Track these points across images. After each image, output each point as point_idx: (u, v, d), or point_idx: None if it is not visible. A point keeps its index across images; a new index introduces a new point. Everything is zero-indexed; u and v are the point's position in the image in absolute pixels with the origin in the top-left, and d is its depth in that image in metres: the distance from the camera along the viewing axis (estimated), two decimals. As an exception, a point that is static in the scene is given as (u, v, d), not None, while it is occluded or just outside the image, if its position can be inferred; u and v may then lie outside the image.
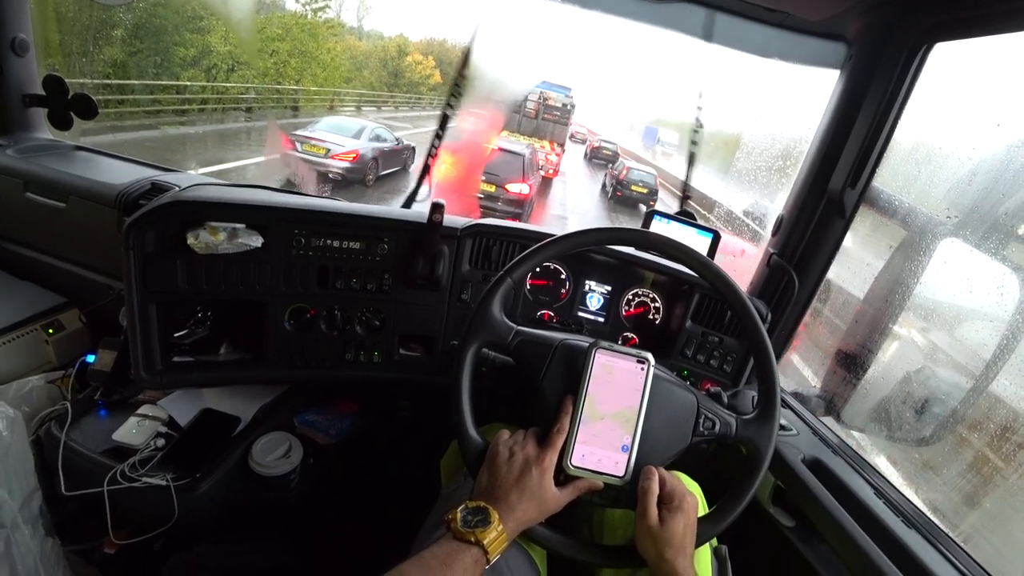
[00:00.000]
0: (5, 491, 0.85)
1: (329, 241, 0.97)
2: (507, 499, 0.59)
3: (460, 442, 0.67)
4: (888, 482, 0.89)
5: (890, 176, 1.05)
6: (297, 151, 7.59)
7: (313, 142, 7.63)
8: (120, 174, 1.31)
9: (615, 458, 0.63)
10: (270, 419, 1.12)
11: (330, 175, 7.68)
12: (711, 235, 1.13)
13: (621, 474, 0.63)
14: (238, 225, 0.91)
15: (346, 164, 7.70)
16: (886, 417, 1.01)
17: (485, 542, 0.53)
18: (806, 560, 0.86)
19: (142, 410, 1.03)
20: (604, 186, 14.47)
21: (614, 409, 0.65)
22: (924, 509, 0.82)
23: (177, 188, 1.13)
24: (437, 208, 0.94)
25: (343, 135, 8.05)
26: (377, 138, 8.69)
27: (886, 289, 1.07)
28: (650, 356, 0.66)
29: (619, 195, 12.58)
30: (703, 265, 0.73)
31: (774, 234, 1.17)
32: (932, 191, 1.07)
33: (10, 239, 1.36)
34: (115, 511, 0.95)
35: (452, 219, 1.03)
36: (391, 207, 1.06)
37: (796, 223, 1.13)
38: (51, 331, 1.25)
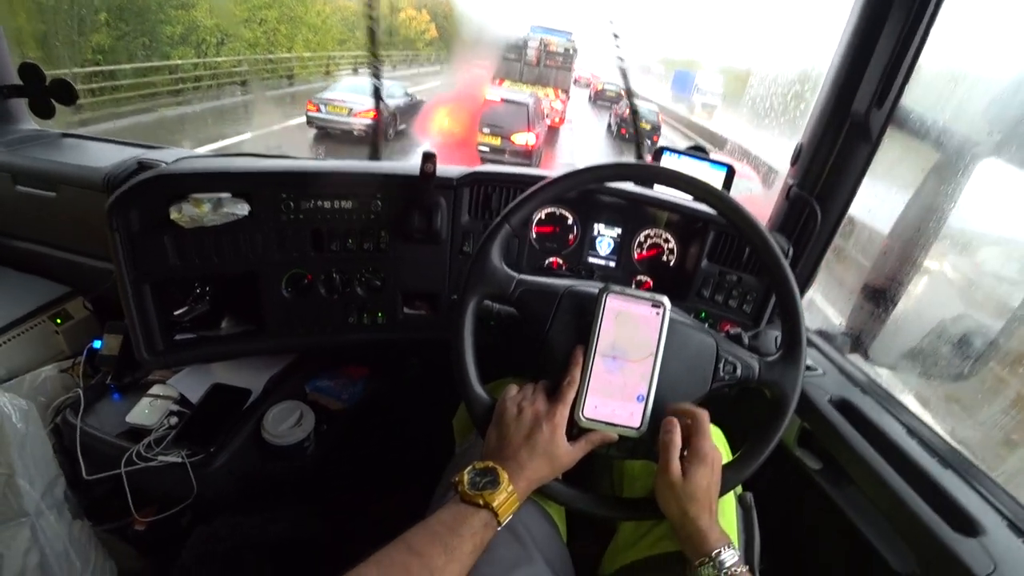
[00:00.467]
0: (26, 481, 0.85)
1: (319, 203, 0.92)
2: (517, 457, 0.56)
3: (466, 401, 0.64)
4: (921, 421, 0.84)
5: (921, 95, 0.96)
6: (321, 113, 8.23)
7: (336, 103, 8.20)
8: (106, 157, 1.28)
9: (630, 408, 0.60)
10: (281, 389, 1.11)
11: (355, 132, 8.23)
12: (725, 168, 1.05)
13: (637, 425, 0.60)
14: (222, 195, 0.87)
15: (368, 121, 8.17)
16: (919, 353, 0.95)
17: (494, 504, 0.51)
18: (834, 503, 0.83)
19: (153, 390, 1.03)
20: (609, 126, 14.43)
21: (628, 357, 0.61)
22: (960, 449, 0.78)
23: (163, 164, 1.10)
24: (428, 158, 0.88)
25: (362, 95, 8.42)
26: (392, 95, 9.15)
27: (917, 218, 0.99)
28: (665, 299, 0.61)
29: (623, 132, 12.81)
30: (718, 198, 0.67)
31: (793, 163, 1.09)
32: (969, 107, 0.97)
33: (8, 234, 1.35)
34: (138, 490, 0.96)
35: (447, 169, 0.97)
36: (381, 162, 1.00)
37: (817, 151, 1.05)
38: (59, 321, 1.25)
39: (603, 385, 0.60)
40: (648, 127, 12.54)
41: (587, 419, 0.60)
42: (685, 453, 0.58)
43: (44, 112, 1.39)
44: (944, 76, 0.99)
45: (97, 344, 1.10)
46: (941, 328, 0.94)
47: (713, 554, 0.53)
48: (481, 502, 0.51)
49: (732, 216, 0.67)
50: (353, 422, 1.16)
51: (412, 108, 9.67)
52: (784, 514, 0.83)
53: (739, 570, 0.52)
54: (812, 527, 0.90)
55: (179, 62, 9.23)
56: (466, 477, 0.53)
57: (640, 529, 0.68)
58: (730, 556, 0.53)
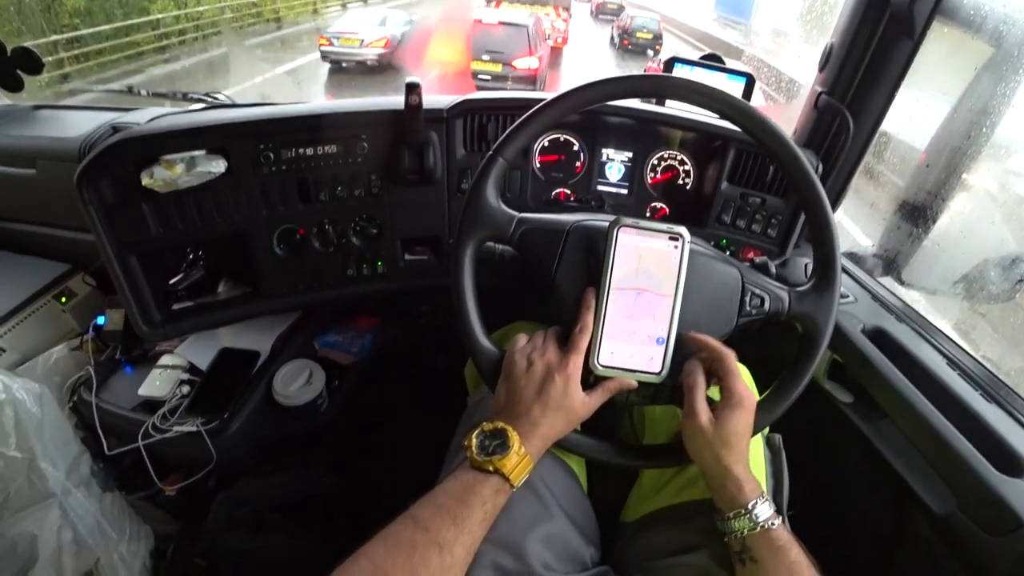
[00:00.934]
0: (48, 463, 0.86)
1: (301, 150, 0.85)
2: (529, 415, 0.52)
3: (472, 355, 0.60)
4: (963, 350, 0.78)
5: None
6: (333, 47, 8.26)
7: (347, 35, 8.24)
8: (81, 124, 1.21)
9: (649, 352, 0.56)
10: (289, 347, 1.09)
11: (368, 63, 8.34)
12: (744, 79, 0.94)
13: (657, 370, 0.56)
14: (196, 153, 0.80)
15: (380, 50, 8.32)
16: (963, 274, 0.87)
17: (505, 470, 0.48)
18: (866, 438, 0.79)
19: (162, 361, 1.02)
20: (612, 38, 14.02)
21: (644, 298, 0.56)
22: (1006, 381, 0.72)
23: (137, 125, 1.04)
24: (412, 89, 0.79)
25: (371, 25, 8.62)
26: (398, 23, 9.16)
27: (965, 124, 0.88)
28: (684, 230, 0.55)
29: (625, 44, 12.59)
30: (738, 110, 0.59)
31: (821, 68, 0.97)
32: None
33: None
34: (161, 460, 0.97)
35: (436, 99, 0.89)
36: (362, 99, 0.92)
37: (850, 51, 0.92)
38: (64, 299, 1.23)
39: (619, 329, 0.56)
40: (649, 36, 12.45)
41: (603, 367, 0.56)
42: (710, 396, 0.54)
43: (11, 85, 1.31)
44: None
45: (101, 320, 1.09)
46: (988, 247, 0.85)
47: (749, 506, 0.50)
48: (491, 468, 0.48)
49: (757, 131, 0.59)
50: (365, 375, 1.14)
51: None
52: (811, 451, 0.79)
53: (775, 523, 0.49)
54: (841, 464, 0.87)
55: (160, 16, 8.78)
56: (474, 441, 0.50)
57: (663, 476, 0.65)
58: (765, 509, 0.50)
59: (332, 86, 8.41)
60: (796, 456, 0.67)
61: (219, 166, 0.81)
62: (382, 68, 8.47)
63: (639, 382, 0.57)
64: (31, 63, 1.25)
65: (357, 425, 1.13)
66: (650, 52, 12.39)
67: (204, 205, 0.84)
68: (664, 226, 0.56)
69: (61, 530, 0.86)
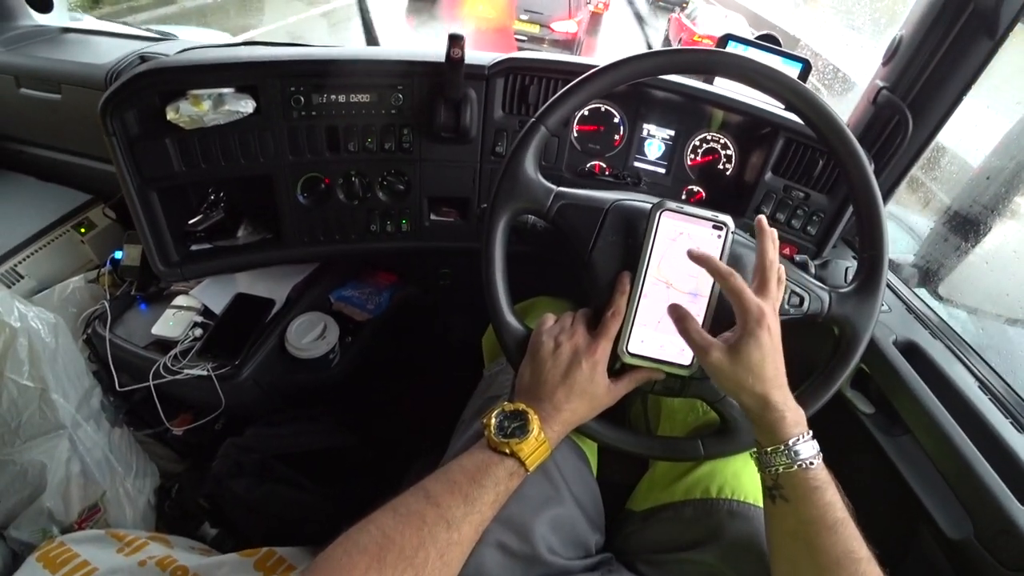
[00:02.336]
0: (59, 395, 0.87)
1: (333, 97, 0.82)
2: (552, 398, 0.50)
3: (496, 331, 0.58)
4: (999, 376, 0.75)
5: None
6: None
7: None
8: (109, 52, 1.18)
9: (680, 344, 0.52)
10: (304, 298, 1.08)
11: None
12: (801, 65, 0.89)
13: (687, 363, 0.54)
14: (224, 90, 0.78)
15: None
16: (1006, 295, 0.83)
17: (522, 454, 0.46)
18: (882, 450, 0.77)
19: (176, 301, 1.02)
20: (667, 38, 12.99)
21: (682, 285, 0.54)
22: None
23: (165, 57, 1.00)
24: (456, 41, 0.75)
25: None
26: None
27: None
28: (729, 220, 0.53)
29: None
30: (802, 97, 0.55)
31: (886, 62, 0.91)
32: None
33: (19, 140, 1.30)
34: (170, 400, 0.98)
35: (478, 55, 0.85)
36: (400, 48, 0.88)
37: (920, 46, 0.85)
38: (83, 230, 1.23)
39: (652, 316, 0.54)
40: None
41: (632, 355, 0.54)
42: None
43: (42, 5, 1.29)
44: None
45: (118, 255, 1.08)
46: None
47: (790, 442, 0.45)
48: (508, 451, 0.46)
49: (818, 121, 0.56)
50: (379, 333, 1.13)
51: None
52: (825, 458, 0.78)
53: (814, 463, 0.45)
54: (857, 474, 0.85)
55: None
56: (493, 421, 0.48)
57: (676, 469, 0.64)
58: (807, 448, 0.46)
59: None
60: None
61: (247, 106, 0.78)
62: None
63: (667, 373, 0.55)
64: (58, -19, 1.22)
65: (368, 383, 1.13)
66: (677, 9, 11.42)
67: (229, 145, 0.81)
68: (709, 213, 0.54)
69: (70, 461, 0.87)
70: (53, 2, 1.31)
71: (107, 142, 0.77)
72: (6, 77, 1.19)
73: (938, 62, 0.84)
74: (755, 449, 0.49)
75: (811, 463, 0.45)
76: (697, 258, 0.49)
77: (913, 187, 1.09)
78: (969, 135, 0.97)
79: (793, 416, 0.47)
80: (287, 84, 0.80)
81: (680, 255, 0.52)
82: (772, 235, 0.50)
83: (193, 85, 0.76)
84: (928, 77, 0.86)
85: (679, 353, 0.54)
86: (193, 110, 0.75)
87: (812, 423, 0.58)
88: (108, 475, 0.92)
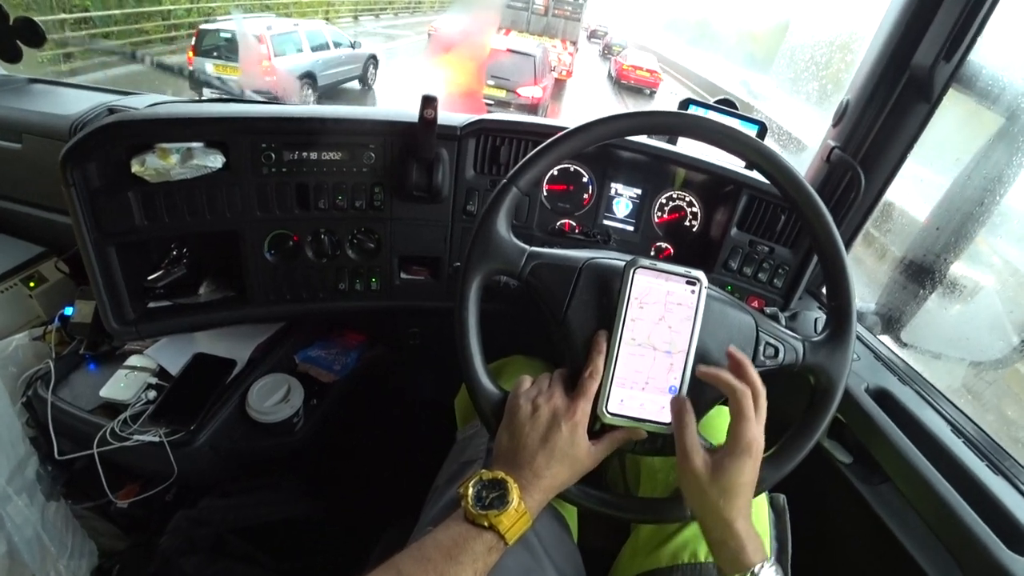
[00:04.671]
0: (-11, 465, 0.79)
1: (304, 154, 0.82)
2: (532, 464, 0.48)
3: (472, 395, 0.56)
4: (969, 419, 0.76)
5: (994, 50, 0.84)
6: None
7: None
8: (76, 103, 1.17)
9: (660, 402, 0.53)
10: (268, 359, 1.04)
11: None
12: (757, 127, 0.94)
13: (668, 421, 0.52)
14: (193, 144, 0.77)
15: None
16: (965, 339, 0.87)
17: (500, 528, 0.43)
18: (863, 499, 0.76)
19: (129, 361, 0.96)
20: (609, 73, 14.76)
21: (659, 343, 0.53)
22: (1015, 453, 0.70)
23: (135, 110, 1.00)
24: (429, 102, 0.77)
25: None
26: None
27: (976, 190, 0.89)
28: (702, 275, 0.54)
29: (622, 78, 13.27)
30: (765, 156, 0.57)
31: (836, 123, 0.97)
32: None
33: None
34: (116, 469, 0.90)
35: (451, 116, 0.87)
36: (375, 108, 0.89)
37: (865, 109, 0.93)
38: (32, 284, 1.17)
39: (630, 376, 0.53)
40: (649, 75, 13.05)
41: (611, 415, 0.53)
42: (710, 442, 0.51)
43: (10, 55, 1.27)
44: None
45: (69, 311, 1.02)
46: (995, 312, 0.85)
47: (755, 569, 0.45)
48: (487, 523, 0.43)
49: (781, 178, 0.58)
50: (346, 396, 1.09)
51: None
52: (807, 511, 0.76)
53: None
54: (838, 526, 0.84)
55: (171, 7, 8.80)
56: (471, 491, 0.46)
57: (661, 533, 0.61)
58: (771, 574, 0.46)
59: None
60: (792, 516, 0.64)
61: (216, 160, 0.77)
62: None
63: (648, 432, 0.54)
64: (34, 35, 1.20)
65: (334, 448, 1.07)
66: (647, 91, 13.18)
67: (195, 200, 0.79)
68: (682, 269, 0.54)
69: (-5, 541, 0.78)
70: (21, 53, 1.30)
71: (65, 193, 0.74)
72: (-34, 125, 1.15)
73: (883, 123, 0.91)
74: None
75: None
76: (712, 377, 0.49)
77: (868, 240, 1.15)
78: (916, 190, 1.04)
79: (753, 545, 0.47)
80: (258, 140, 0.79)
81: (656, 311, 0.53)
82: (749, 364, 0.50)
83: (162, 138, 0.75)
84: (875, 137, 0.93)
85: (659, 411, 0.53)
86: (160, 163, 0.73)
87: (793, 478, 0.57)
88: (39, 556, 0.82)
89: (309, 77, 6.73)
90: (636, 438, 0.54)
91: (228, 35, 5.82)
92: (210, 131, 0.78)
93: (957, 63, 0.82)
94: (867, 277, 1.14)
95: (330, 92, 7.26)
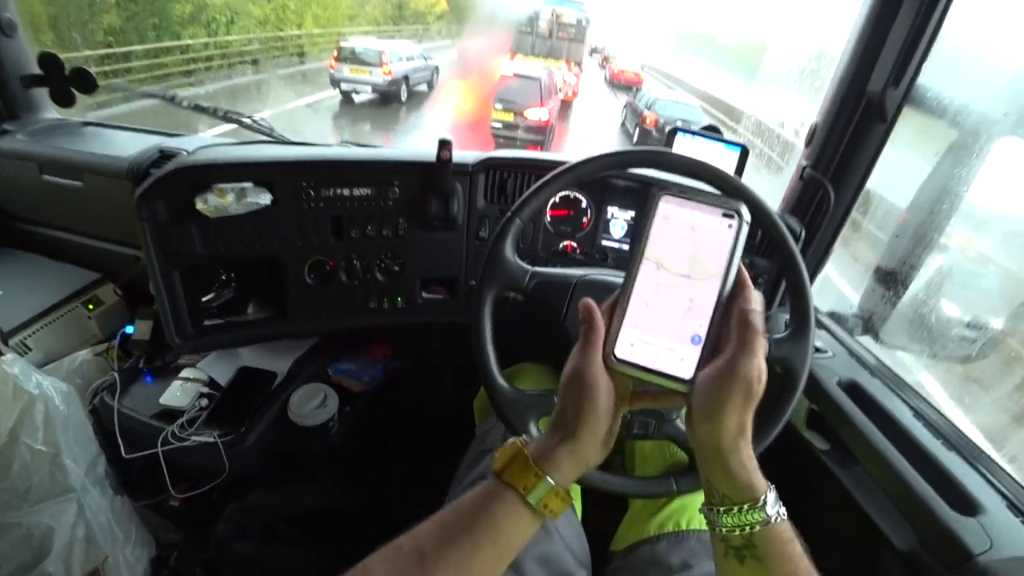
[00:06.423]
0: (71, 460, 0.91)
1: (339, 190, 0.95)
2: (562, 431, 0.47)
3: (489, 393, 0.65)
4: (928, 404, 0.85)
5: (938, 72, 0.94)
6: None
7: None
8: (129, 145, 1.30)
9: (680, 352, 0.43)
10: (305, 371, 1.16)
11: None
12: (739, 149, 1.05)
13: (687, 376, 0.43)
14: (245, 184, 0.90)
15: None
16: (929, 334, 0.96)
17: (517, 485, 0.42)
18: (840, 483, 0.85)
19: (184, 373, 1.08)
20: (605, 77, 16.47)
21: (685, 281, 0.44)
22: (967, 431, 0.79)
23: (185, 152, 1.13)
24: (445, 145, 0.90)
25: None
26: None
27: (932, 197, 0.99)
28: (743, 207, 0.43)
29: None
30: (725, 181, 0.67)
31: (807, 145, 1.08)
32: (988, 85, 0.96)
33: (37, 222, 1.39)
34: (173, 468, 1.01)
35: (463, 154, 0.99)
36: (398, 149, 1.02)
37: (831, 131, 1.04)
38: (91, 307, 1.29)
39: (647, 317, 0.44)
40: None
41: (619, 360, 0.44)
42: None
43: (65, 101, 1.42)
44: (963, 52, 0.97)
45: (129, 329, 1.15)
46: (950, 309, 0.94)
47: (762, 499, 0.40)
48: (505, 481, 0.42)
49: (748, 204, 0.68)
50: (374, 403, 1.20)
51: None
52: (791, 495, 0.85)
53: (783, 515, 0.41)
54: (818, 507, 0.92)
55: (190, 42, 9.24)
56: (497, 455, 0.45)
57: (651, 507, 0.71)
58: (774, 499, 0.41)
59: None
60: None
61: (265, 198, 0.90)
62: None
63: (657, 388, 0.44)
64: (85, 83, 1.36)
65: (365, 447, 1.18)
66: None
67: (247, 231, 0.92)
68: (720, 199, 0.44)
69: (75, 526, 0.90)
70: (75, 98, 1.45)
71: (139, 227, 0.87)
72: (30, 164, 1.29)
73: (847, 143, 1.02)
74: (718, 510, 0.42)
75: (781, 516, 0.41)
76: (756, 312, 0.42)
77: (865, 238, 1.25)
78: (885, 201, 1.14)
79: (755, 472, 0.42)
80: (299, 179, 0.92)
81: (684, 243, 0.44)
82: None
83: (218, 180, 0.88)
84: (841, 156, 1.04)
85: (678, 363, 0.43)
86: (219, 201, 0.86)
87: (778, 465, 0.65)
88: (111, 541, 0.94)
89: (405, 80, 9.95)
90: (652, 393, 0.45)
91: (358, 49, 9.33)
92: (261, 173, 0.91)
93: (906, 88, 0.92)
94: (857, 282, 1.23)
95: (410, 93, 10.28)
